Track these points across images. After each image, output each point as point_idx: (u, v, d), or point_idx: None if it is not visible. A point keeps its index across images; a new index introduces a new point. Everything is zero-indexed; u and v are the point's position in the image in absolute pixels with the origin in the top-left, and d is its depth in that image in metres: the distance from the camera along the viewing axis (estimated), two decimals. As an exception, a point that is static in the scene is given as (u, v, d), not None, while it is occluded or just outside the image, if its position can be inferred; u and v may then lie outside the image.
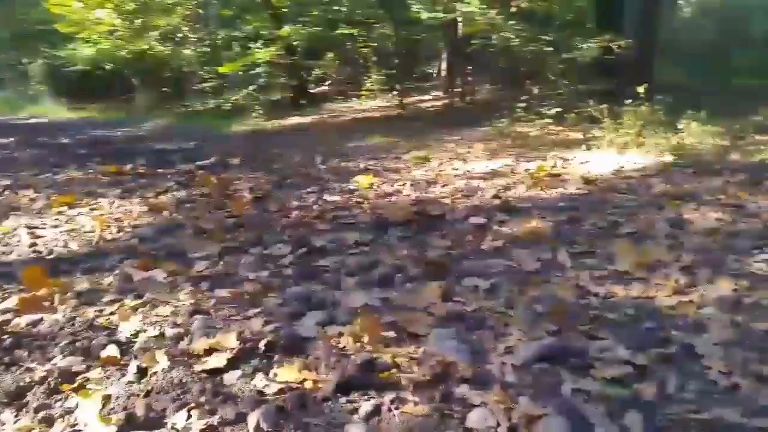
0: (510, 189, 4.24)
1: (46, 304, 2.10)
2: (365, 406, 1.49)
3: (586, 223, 3.41)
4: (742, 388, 1.79)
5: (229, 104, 10.28)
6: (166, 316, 1.99)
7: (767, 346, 2.05)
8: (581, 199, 3.99)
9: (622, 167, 4.80)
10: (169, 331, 1.85)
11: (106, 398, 1.50)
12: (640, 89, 5.61)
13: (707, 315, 2.30)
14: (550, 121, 6.72)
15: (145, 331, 1.88)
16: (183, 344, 1.79)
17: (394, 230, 3.24)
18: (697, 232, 3.23)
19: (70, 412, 1.48)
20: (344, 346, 1.78)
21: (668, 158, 4.98)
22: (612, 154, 5.35)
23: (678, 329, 2.19)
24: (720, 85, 7.96)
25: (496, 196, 3.98)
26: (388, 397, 1.54)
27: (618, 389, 1.74)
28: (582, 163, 5.07)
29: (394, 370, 1.68)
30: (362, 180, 4.32)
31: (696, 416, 1.61)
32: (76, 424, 1.42)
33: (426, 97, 10.38)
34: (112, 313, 2.03)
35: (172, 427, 1.40)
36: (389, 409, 1.50)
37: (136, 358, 1.69)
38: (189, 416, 1.42)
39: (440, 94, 10.23)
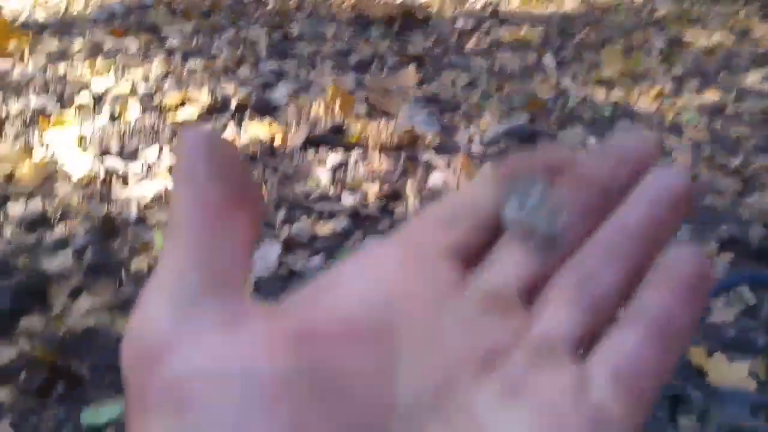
0: (503, 2, 4.02)
1: (16, 56, 2.04)
2: (332, 158, 1.54)
3: (578, 35, 3.29)
4: (702, 177, 1.87)
5: None
6: (138, 78, 1.95)
7: (737, 149, 2.10)
8: (578, 16, 3.80)
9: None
10: (142, 88, 1.84)
11: (82, 136, 1.53)
12: None
13: (686, 119, 2.33)
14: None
15: (117, 86, 1.86)
16: (155, 100, 1.79)
17: (376, 28, 3.11)
18: (694, 50, 3.15)
19: (47, 144, 1.51)
20: (315, 114, 1.80)
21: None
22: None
23: (653, 129, 2.24)
24: None
25: (487, 5, 3.78)
26: (355, 154, 1.59)
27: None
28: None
29: (362, 135, 1.71)
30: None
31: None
32: (54, 153, 1.46)
33: None
34: (83, 70, 1.99)
35: (145, 161, 1.44)
36: (355, 163, 1.56)
37: (109, 105, 1.70)
38: (160, 153, 1.46)
39: None
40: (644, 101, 2.48)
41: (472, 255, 0.21)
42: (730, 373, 0.98)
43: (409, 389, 0.17)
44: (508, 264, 0.21)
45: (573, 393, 0.17)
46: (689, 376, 0.96)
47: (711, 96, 2.52)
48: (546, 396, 0.17)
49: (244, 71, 2.12)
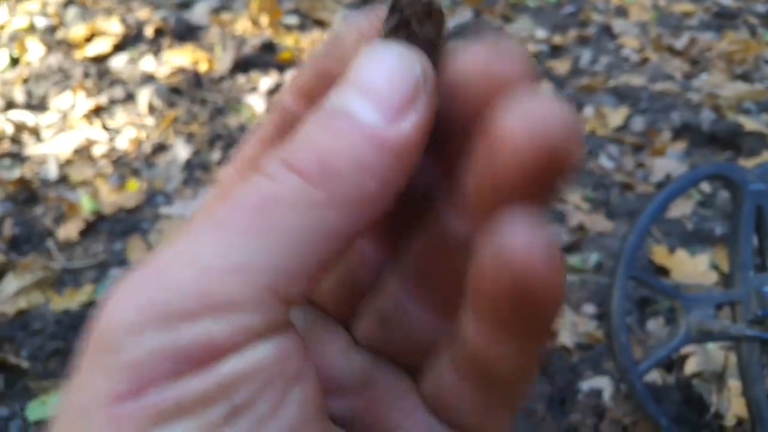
0: None
1: None
2: (265, 82, 1.41)
3: None
4: (651, 60, 1.82)
5: None
6: (36, 10, 1.72)
7: (682, 26, 2.06)
8: None
9: None
10: (41, 22, 1.62)
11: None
12: None
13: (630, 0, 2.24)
14: None
15: (11, 22, 1.63)
16: (59, 34, 1.58)
17: None
18: None
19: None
20: (241, 32, 1.63)
21: None
22: None
23: (599, 12, 2.14)
24: None
25: None
26: (290, 74, 1.47)
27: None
28: None
29: (296, 51, 1.57)
30: None
31: (604, 85, 1.64)
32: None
33: None
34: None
35: (57, 109, 1.29)
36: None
37: (5, 46, 1.50)
38: (74, 97, 1.31)
39: None
40: (591, -19, 2.36)
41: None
42: (692, 267, 0.98)
43: None
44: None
45: None
46: (655, 278, 0.95)
47: (656, -30, 2.41)
48: None
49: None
